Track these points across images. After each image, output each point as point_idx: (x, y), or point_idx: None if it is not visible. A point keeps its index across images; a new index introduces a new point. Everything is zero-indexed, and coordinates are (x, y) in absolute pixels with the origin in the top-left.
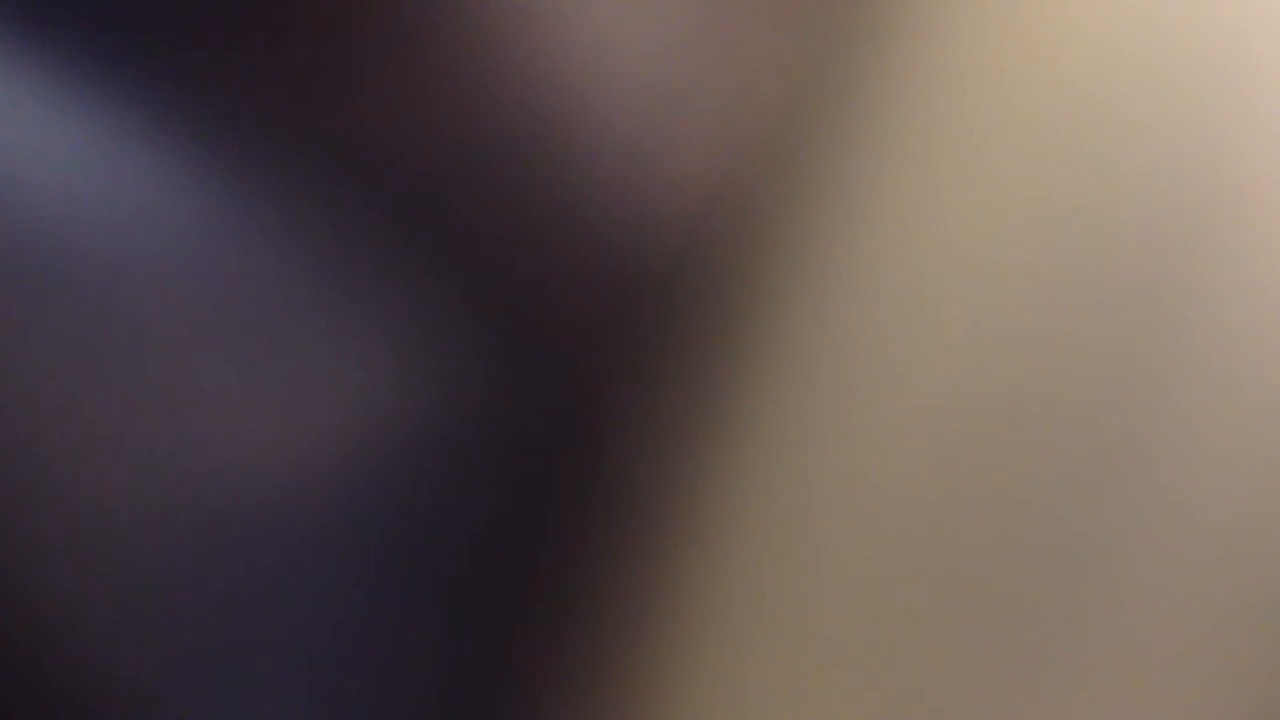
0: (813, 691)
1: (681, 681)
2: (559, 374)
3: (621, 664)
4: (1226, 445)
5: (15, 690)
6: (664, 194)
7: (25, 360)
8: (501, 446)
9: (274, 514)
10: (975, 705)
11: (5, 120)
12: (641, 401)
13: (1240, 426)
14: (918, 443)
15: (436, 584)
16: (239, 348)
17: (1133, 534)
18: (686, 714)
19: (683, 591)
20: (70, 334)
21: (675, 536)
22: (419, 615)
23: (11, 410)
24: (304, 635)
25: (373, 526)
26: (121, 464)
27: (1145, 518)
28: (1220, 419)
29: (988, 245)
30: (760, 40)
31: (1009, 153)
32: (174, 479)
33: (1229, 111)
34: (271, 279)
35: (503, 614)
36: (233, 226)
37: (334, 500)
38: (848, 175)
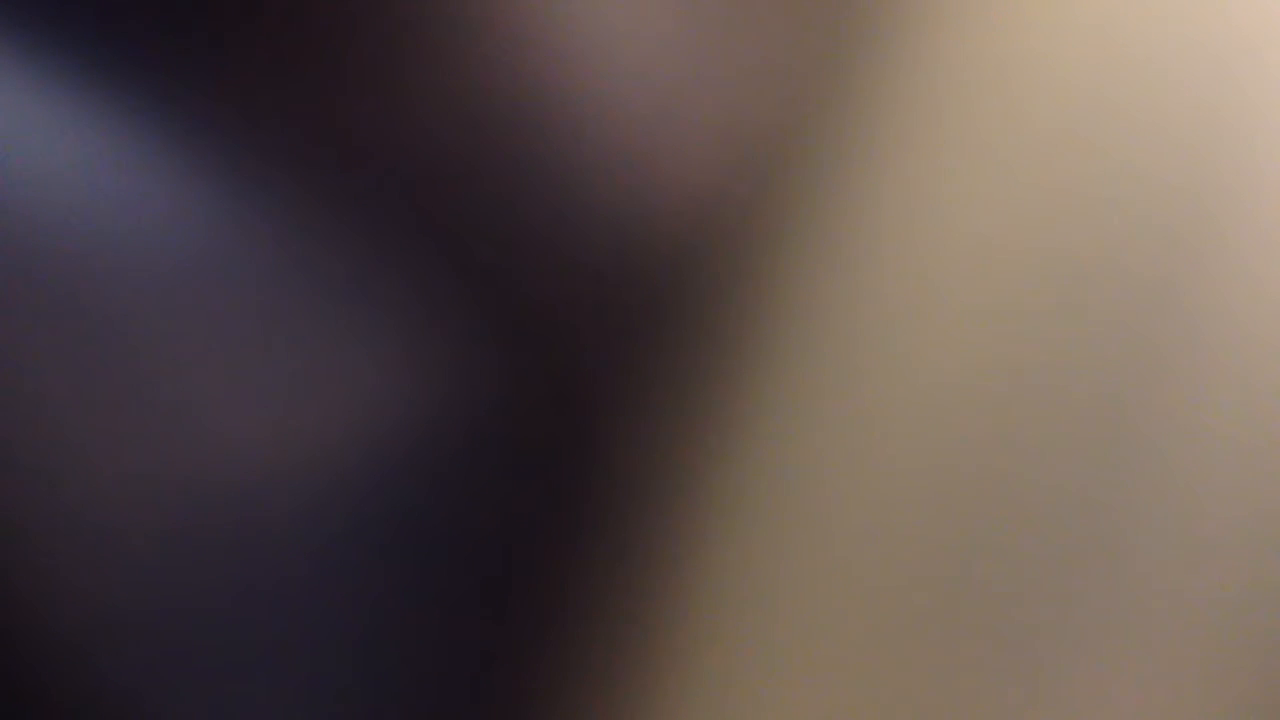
0: (815, 691)
1: (684, 680)
2: (561, 373)
3: (625, 662)
4: (1233, 436)
5: (15, 695)
6: (666, 191)
7: (28, 363)
8: (503, 447)
9: (277, 518)
10: (980, 703)
11: (8, 126)
12: (644, 399)
13: (1247, 418)
14: (922, 438)
15: (439, 585)
16: (241, 351)
17: (1140, 527)
18: (690, 713)
19: (686, 590)
20: (74, 337)
21: (680, 534)
22: (423, 617)
23: (14, 413)
24: (309, 638)
25: (375, 528)
26: (127, 468)
27: (1153, 511)
28: (1227, 410)
29: (992, 240)
30: (761, 37)
31: (1013, 147)
32: (178, 482)
33: (1235, 105)
34: (274, 282)
35: (508, 614)
36: (234, 229)
37: (335, 504)
38: (851, 172)
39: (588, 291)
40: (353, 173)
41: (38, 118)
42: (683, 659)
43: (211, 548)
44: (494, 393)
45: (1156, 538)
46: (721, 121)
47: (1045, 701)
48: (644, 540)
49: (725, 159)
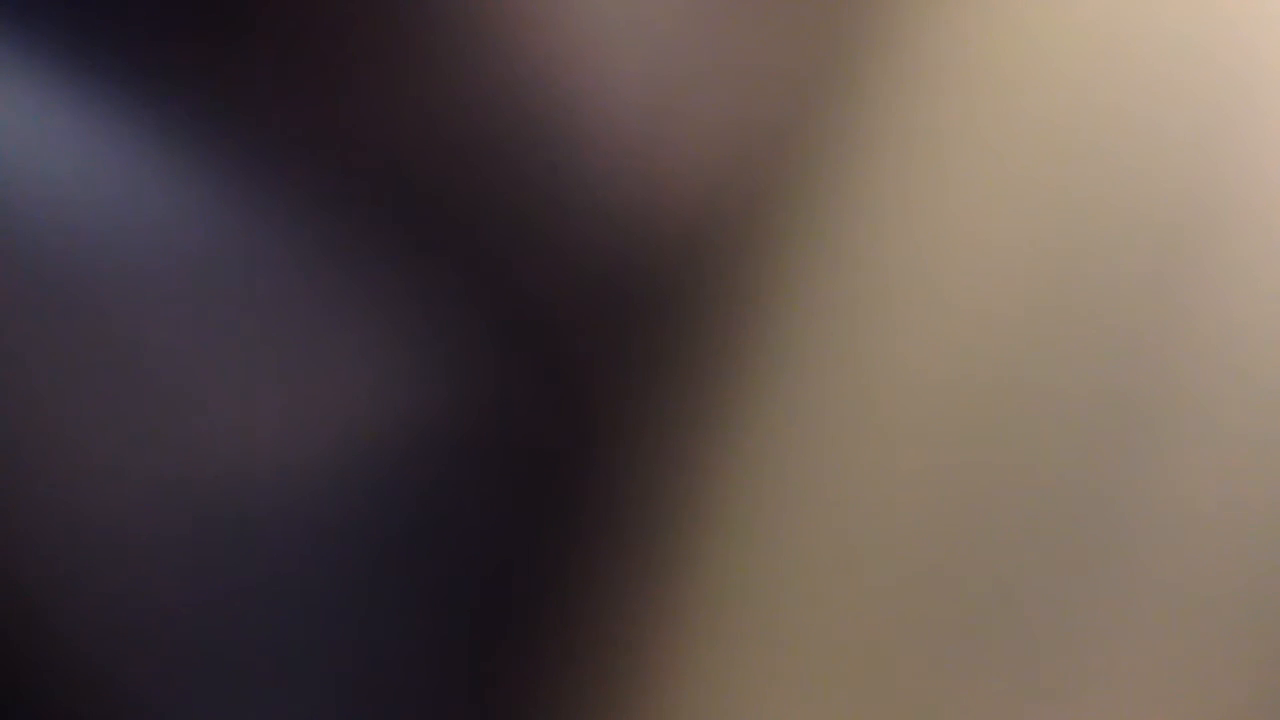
0: (816, 690)
1: (685, 680)
2: (561, 371)
3: (626, 662)
4: (1234, 435)
5: (13, 696)
6: (666, 189)
7: (27, 362)
8: (502, 446)
9: (276, 518)
10: (981, 701)
11: (8, 125)
12: (644, 398)
13: (1247, 416)
14: (923, 437)
15: (438, 585)
16: (241, 351)
17: (1141, 526)
18: (690, 712)
19: (686, 589)
20: (74, 336)
21: (680, 534)
22: (421, 617)
23: (13, 412)
24: (310, 637)
25: (374, 528)
26: (127, 467)
27: (1154, 509)
28: (1226, 410)
29: (991, 240)
30: (762, 34)
31: (1012, 148)
32: (178, 482)
33: (1233, 106)
34: (274, 282)
35: (508, 614)
36: (233, 228)
37: (334, 503)
38: (851, 170)
39: (588, 291)
40: (353, 172)
41: (37, 117)
42: (683, 659)
43: (211, 547)
44: (494, 392)
45: (1157, 536)
46: (722, 121)
47: (1047, 699)
48: (644, 540)
49: (726, 158)
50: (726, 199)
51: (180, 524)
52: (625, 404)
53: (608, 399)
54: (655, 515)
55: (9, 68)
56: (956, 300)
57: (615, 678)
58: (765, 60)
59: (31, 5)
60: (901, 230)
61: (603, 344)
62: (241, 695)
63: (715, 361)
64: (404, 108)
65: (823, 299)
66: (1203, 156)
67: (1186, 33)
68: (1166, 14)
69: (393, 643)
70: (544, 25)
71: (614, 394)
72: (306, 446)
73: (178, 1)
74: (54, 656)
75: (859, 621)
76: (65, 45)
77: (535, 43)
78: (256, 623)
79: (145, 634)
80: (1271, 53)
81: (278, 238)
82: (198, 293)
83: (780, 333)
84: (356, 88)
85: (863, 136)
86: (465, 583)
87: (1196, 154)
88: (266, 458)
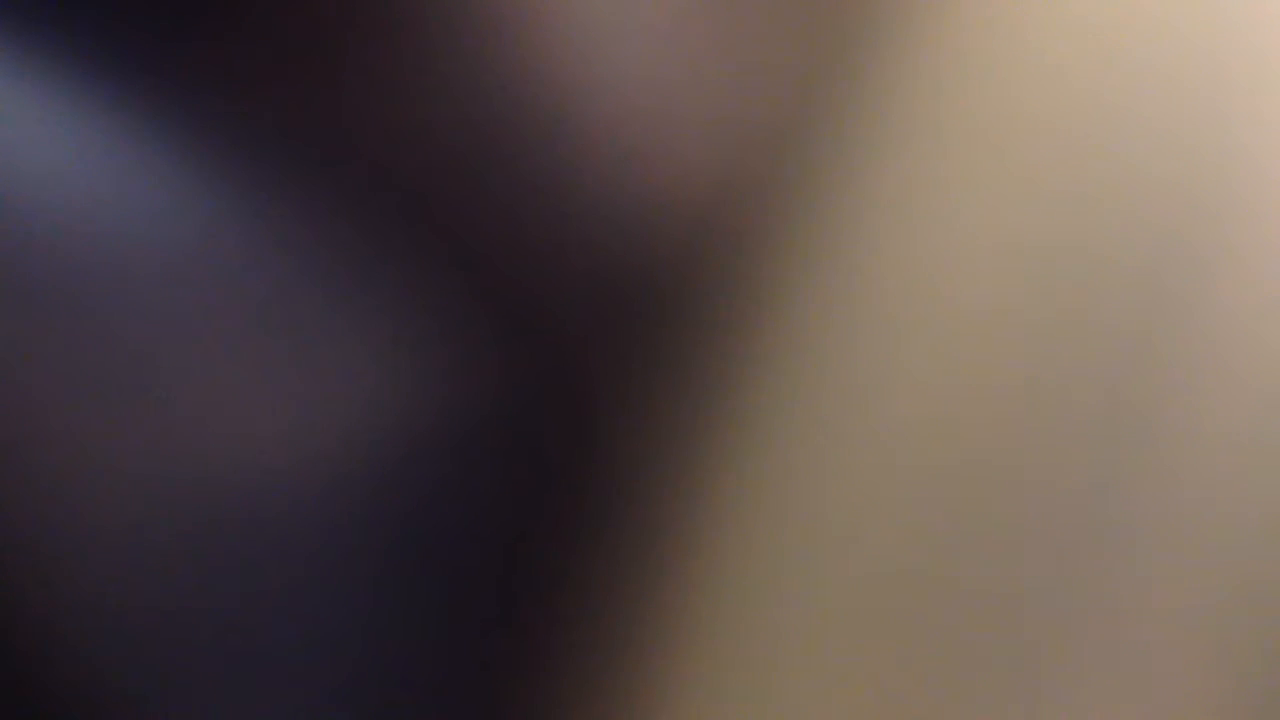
0: (817, 690)
1: (685, 680)
2: (562, 373)
3: (623, 663)
4: (1233, 434)
5: (14, 698)
6: (666, 190)
7: (27, 363)
8: (504, 447)
9: (277, 519)
10: (977, 705)
11: (5, 123)
12: (644, 399)
13: (1246, 415)
14: (922, 436)
15: (439, 586)
16: (242, 351)
17: (1139, 525)
18: (690, 712)
19: (686, 590)
20: (73, 336)
21: (680, 534)
22: (422, 617)
23: (13, 413)
24: (312, 638)
25: (376, 530)
26: (128, 468)
27: (1152, 508)
28: (1226, 408)
29: (991, 239)
30: (762, 34)
31: (1012, 147)
32: (178, 484)
33: (1232, 104)
34: (272, 282)
35: (510, 615)
36: (233, 228)
37: (336, 505)
38: (852, 170)
39: (588, 291)
40: (352, 171)
41: (34, 116)
42: (683, 659)
43: (212, 547)
44: (494, 392)
45: (1156, 535)
46: (721, 121)
47: (1045, 699)
48: (644, 540)
49: (725, 158)
50: (726, 199)
51: (181, 524)
52: (626, 405)
53: (608, 400)
54: (655, 516)
55: (5, 67)
56: (956, 299)
57: (615, 678)
58: (765, 60)
59: (28, 5)
60: (901, 229)
61: (603, 345)
62: (242, 696)
63: (715, 362)
64: (403, 108)
65: (823, 298)
66: (1203, 156)
67: (1186, 32)
68: (1166, 13)
69: (394, 643)
70: (544, 25)
71: (614, 395)
72: (308, 448)
73: (178, 4)
74: (54, 656)
75: (858, 621)
76: (62, 45)
77: (535, 43)
78: (257, 623)
79: (146, 634)
80: (1271, 53)
81: (278, 239)
82: (198, 294)
83: (780, 332)
84: (354, 87)
85: (863, 136)
86: (466, 583)
87: (1196, 153)
88: (267, 459)
